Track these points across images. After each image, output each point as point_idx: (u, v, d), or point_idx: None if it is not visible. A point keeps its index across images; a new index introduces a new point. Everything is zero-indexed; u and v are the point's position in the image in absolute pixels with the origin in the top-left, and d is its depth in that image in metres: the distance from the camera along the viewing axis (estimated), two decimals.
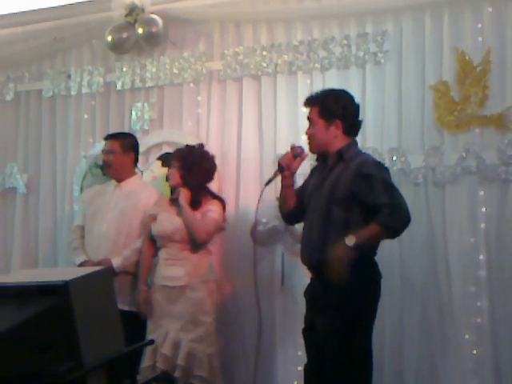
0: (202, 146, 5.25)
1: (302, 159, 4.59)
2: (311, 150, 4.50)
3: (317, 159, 4.57)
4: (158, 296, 5.08)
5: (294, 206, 4.57)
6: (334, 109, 4.37)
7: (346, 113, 4.39)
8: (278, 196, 4.74)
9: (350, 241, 4.02)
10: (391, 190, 4.19)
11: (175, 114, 5.92)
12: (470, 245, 4.83)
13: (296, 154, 4.55)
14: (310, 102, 4.49)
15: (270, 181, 4.66)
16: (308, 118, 4.48)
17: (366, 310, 4.24)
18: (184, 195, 5.09)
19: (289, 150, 4.59)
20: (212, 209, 5.10)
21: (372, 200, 4.14)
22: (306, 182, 4.63)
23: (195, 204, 5.10)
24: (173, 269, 5.06)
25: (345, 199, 4.22)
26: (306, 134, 4.50)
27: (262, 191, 4.69)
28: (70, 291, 2.73)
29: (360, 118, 4.48)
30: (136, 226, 5.30)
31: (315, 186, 4.43)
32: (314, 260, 4.32)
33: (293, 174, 4.57)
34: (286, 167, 4.52)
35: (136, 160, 5.53)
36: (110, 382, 2.79)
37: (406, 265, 4.98)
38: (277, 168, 4.59)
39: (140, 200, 5.35)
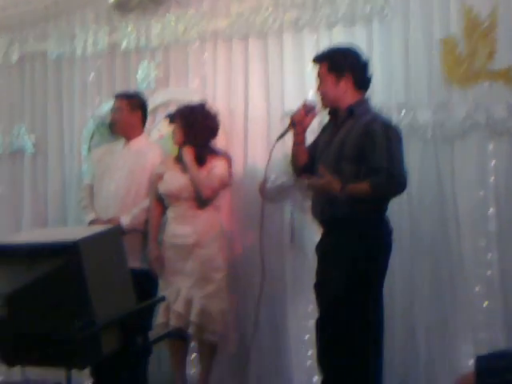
0: (203, 103, 5.25)
1: (314, 115, 4.58)
2: (323, 106, 4.50)
3: (329, 113, 4.56)
4: (169, 254, 5.11)
5: (305, 163, 4.57)
6: (343, 63, 4.38)
7: (355, 67, 4.40)
8: (289, 153, 4.72)
9: (341, 191, 4.12)
10: (394, 154, 4.19)
11: (181, 73, 5.90)
12: (480, 198, 4.81)
13: (308, 110, 4.53)
14: (319, 58, 4.50)
15: (281, 136, 4.63)
16: (317, 75, 4.48)
17: (377, 264, 4.27)
18: (188, 153, 5.10)
19: (300, 106, 4.58)
20: (217, 165, 5.11)
21: (372, 160, 4.18)
22: (317, 138, 4.63)
23: (200, 161, 5.12)
24: (182, 227, 5.08)
25: (353, 156, 4.25)
26: (317, 90, 4.49)
27: (272, 146, 4.65)
28: (80, 250, 2.74)
29: (369, 74, 4.47)
30: (144, 185, 5.31)
31: (326, 142, 4.45)
32: (325, 215, 4.35)
33: (304, 130, 4.56)
34: (297, 123, 4.51)
35: (144, 119, 5.53)
36: (123, 339, 2.80)
37: (416, 220, 4.97)
38: (289, 124, 4.57)
39: (148, 159, 5.36)
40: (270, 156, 4.62)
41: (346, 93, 4.37)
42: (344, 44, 4.70)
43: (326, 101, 4.46)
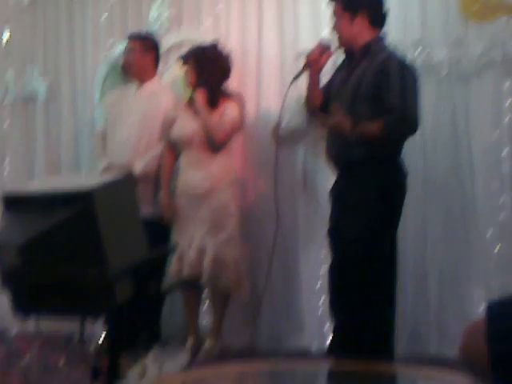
0: (215, 44, 5.17)
1: (330, 55, 4.50)
2: (340, 44, 4.43)
3: (344, 53, 4.49)
4: (182, 202, 5.09)
5: (320, 103, 4.51)
6: (358, 1, 4.31)
7: (371, 4, 4.33)
8: (303, 95, 4.67)
9: (352, 129, 4.10)
10: (408, 94, 4.14)
11: (194, 12, 5.80)
12: (494, 139, 4.78)
13: (323, 49, 4.45)
14: None
15: (296, 77, 4.55)
16: (333, 14, 4.41)
17: (392, 208, 4.26)
18: (199, 96, 5.06)
19: (315, 45, 4.50)
20: (229, 108, 5.06)
21: (386, 100, 4.13)
22: (332, 78, 4.57)
23: (212, 104, 5.07)
24: (194, 173, 5.05)
25: (369, 96, 4.20)
26: (333, 29, 4.43)
27: (288, 88, 4.56)
28: (94, 199, 2.74)
29: (385, 11, 4.40)
30: (157, 130, 5.25)
31: (341, 81, 4.39)
32: (340, 157, 4.33)
33: (320, 70, 4.49)
34: (313, 63, 4.45)
35: (157, 61, 5.47)
36: (136, 287, 2.82)
37: (429, 162, 4.95)
38: (304, 64, 4.50)
39: (161, 103, 5.30)
40: (284, 98, 4.56)
41: (362, 31, 4.31)
42: None
43: (341, 39, 4.39)
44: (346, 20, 4.33)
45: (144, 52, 5.38)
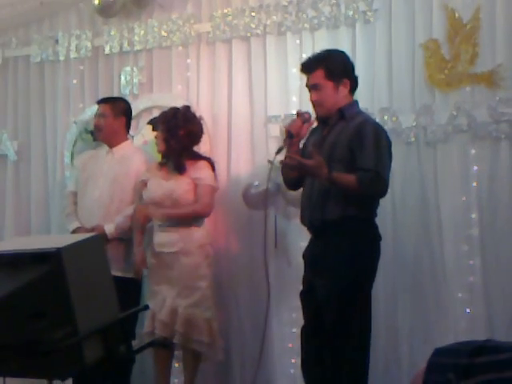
0: (187, 107, 5.18)
1: (310, 124, 4.52)
2: (319, 114, 4.43)
3: (317, 118, 4.52)
4: (154, 262, 5.08)
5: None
6: (341, 68, 4.36)
7: (350, 70, 4.39)
8: (273, 159, 4.69)
9: (328, 175, 4.11)
10: (382, 157, 4.19)
11: (164, 78, 5.88)
12: (462, 203, 4.82)
13: (304, 119, 4.46)
14: (310, 66, 4.41)
15: (280, 149, 4.55)
16: (311, 85, 4.40)
17: (366, 271, 4.27)
18: (153, 213, 5.07)
19: (296, 116, 4.52)
20: (202, 175, 5.05)
21: (360, 160, 4.17)
22: (306, 142, 4.56)
23: (180, 169, 5.05)
24: (166, 235, 5.04)
25: (344, 157, 4.23)
26: (312, 100, 4.43)
27: (272, 161, 4.59)
28: (62, 258, 2.72)
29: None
30: (128, 192, 5.26)
31: (314, 145, 4.38)
32: (315, 220, 4.33)
33: (301, 139, 4.51)
34: (295, 134, 4.45)
35: (128, 125, 5.49)
36: (106, 348, 2.78)
37: (399, 224, 4.98)
38: (286, 135, 4.49)
39: (132, 166, 5.31)
40: (269, 173, 4.59)
41: (344, 97, 4.35)
42: (331, 48, 4.69)
43: (324, 109, 4.38)
44: (330, 88, 4.34)
45: (114, 116, 5.39)
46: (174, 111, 5.14)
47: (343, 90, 4.34)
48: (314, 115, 4.52)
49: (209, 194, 5.04)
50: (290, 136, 4.44)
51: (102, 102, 5.48)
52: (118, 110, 5.41)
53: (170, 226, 5.04)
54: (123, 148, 5.42)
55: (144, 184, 5.16)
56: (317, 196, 4.28)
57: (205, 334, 4.97)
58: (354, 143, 4.20)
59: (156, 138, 5.18)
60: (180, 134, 5.03)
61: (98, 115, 5.43)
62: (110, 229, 5.14)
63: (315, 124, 4.59)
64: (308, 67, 4.43)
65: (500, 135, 4.76)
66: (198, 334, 4.95)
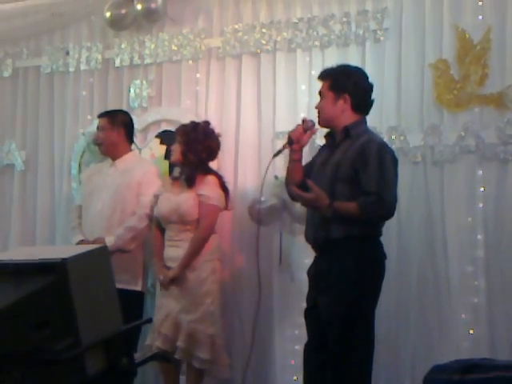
0: (207, 123, 5.18)
1: (313, 133, 4.52)
2: (319, 123, 4.45)
3: (325, 136, 4.52)
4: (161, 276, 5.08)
5: (300, 182, 4.45)
6: (344, 83, 4.33)
7: (356, 88, 4.35)
8: (279, 174, 4.69)
9: (329, 206, 4.12)
10: (386, 177, 4.16)
11: (174, 92, 5.89)
12: (468, 224, 4.83)
13: (307, 127, 4.46)
14: (324, 75, 4.45)
15: (278, 153, 4.56)
16: (319, 92, 4.45)
17: (370, 290, 4.23)
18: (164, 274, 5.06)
19: (299, 123, 4.51)
20: (207, 193, 5.03)
21: (364, 183, 4.15)
22: (314, 159, 4.56)
23: (189, 182, 5.05)
24: (173, 249, 5.04)
25: (349, 177, 4.20)
26: (316, 107, 4.46)
27: (268, 164, 4.59)
28: (67, 269, 2.72)
29: (372, 98, 4.43)
30: (130, 202, 5.25)
31: (321, 163, 4.39)
32: (319, 238, 4.31)
33: (302, 147, 4.50)
34: (295, 140, 4.44)
35: (129, 136, 5.46)
36: (108, 359, 2.78)
37: (404, 244, 4.97)
38: (286, 141, 4.50)
39: (134, 176, 5.29)
40: (264, 175, 4.57)
41: (343, 112, 4.32)
42: (352, 65, 4.66)
43: (322, 118, 4.40)
44: (330, 99, 4.35)
45: (112, 129, 5.38)
46: (195, 125, 5.13)
47: (342, 105, 4.32)
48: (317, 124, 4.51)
49: (211, 216, 5.03)
50: (290, 142, 4.45)
51: (101, 115, 5.50)
52: (116, 122, 5.40)
53: (178, 240, 5.05)
54: (126, 160, 5.41)
55: (157, 199, 5.16)
56: (321, 215, 4.27)
57: (207, 350, 4.92)
58: (358, 162, 4.18)
59: (172, 148, 5.17)
60: (198, 148, 5.03)
61: (98, 129, 5.45)
62: (110, 241, 5.12)
63: (321, 136, 4.60)
64: (322, 75, 4.48)
65: (508, 157, 4.77)
66: (200, 351, 4.91)
